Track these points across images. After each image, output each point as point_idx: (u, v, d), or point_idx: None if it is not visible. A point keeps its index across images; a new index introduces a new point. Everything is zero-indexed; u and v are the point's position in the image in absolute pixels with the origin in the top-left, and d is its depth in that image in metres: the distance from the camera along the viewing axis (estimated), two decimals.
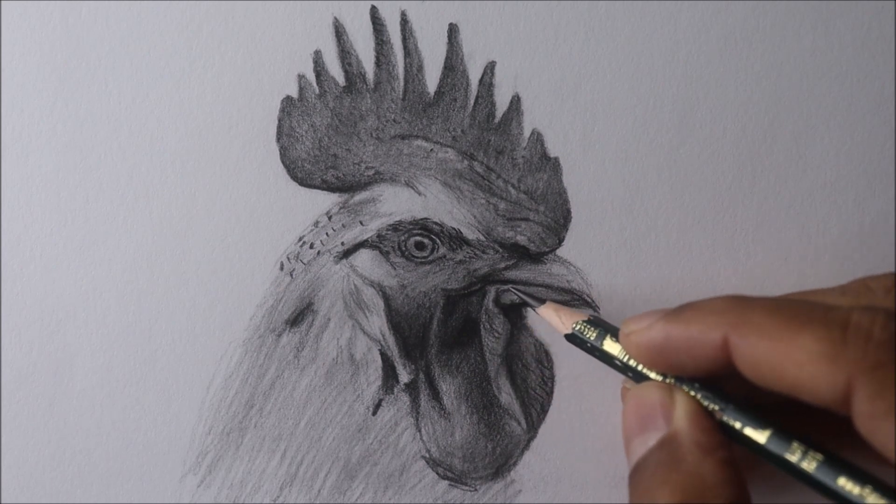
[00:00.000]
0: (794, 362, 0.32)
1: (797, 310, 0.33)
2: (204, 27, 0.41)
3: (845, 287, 0.37)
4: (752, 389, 0.34)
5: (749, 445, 0.35)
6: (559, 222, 0.42)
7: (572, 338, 0.40)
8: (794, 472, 0.33)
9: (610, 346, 0.38)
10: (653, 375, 0.37)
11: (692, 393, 0.36)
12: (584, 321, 0.40)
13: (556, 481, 0.43)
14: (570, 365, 0.43)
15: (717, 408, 0.35)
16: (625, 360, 0.38)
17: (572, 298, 0.42)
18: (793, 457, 0.33)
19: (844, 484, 0.32)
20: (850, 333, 0.31)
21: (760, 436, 0.34)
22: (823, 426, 0.34)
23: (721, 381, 0.36)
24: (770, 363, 0.33)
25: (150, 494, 0.42)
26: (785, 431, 0.34)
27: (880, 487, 0.32)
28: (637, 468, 0.35)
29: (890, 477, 0.32)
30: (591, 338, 0.39)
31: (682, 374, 0.36)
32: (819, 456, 0.33)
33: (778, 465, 0.34)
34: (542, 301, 0.41)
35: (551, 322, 0.41)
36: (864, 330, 0.31)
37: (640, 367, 0.37)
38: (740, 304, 0.34)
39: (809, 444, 0.33)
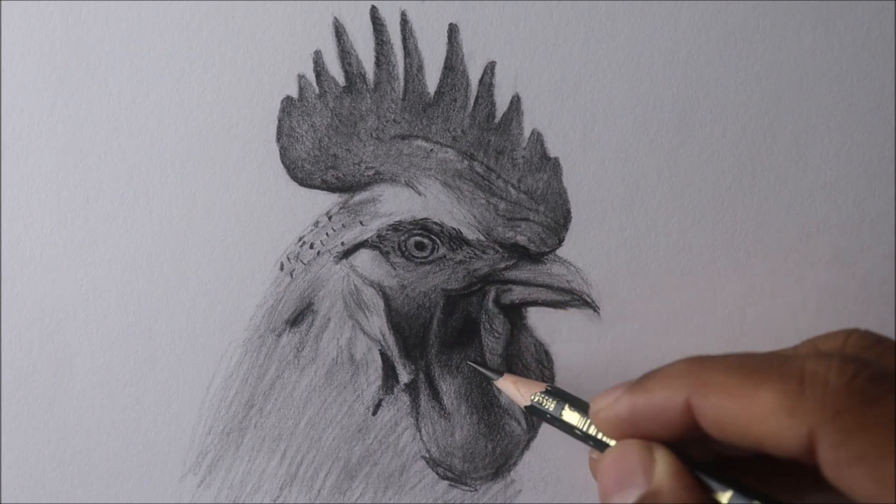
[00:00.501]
0: (756, 418, 0.32)
1: (754, 365, 0.33)
2: (204, 27, 0.41)
3: (797, 349, 0.37)
4: (719, 446, 0.34)
5: None
6: (559, 222, 0.42)
7: (531, 409, 0.40)
8: None
9: (569, 416, 0.38)
10: (612, 444, 0.37)
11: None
12: (541, 392, 0.39)
13: (556, 481, 0.43)
14: (570, 365, 0.43)
15: None
16: (584, 429, 0.38)
17: (572, 298, 0.42)
18: None
19: None
20: (806, 383, 0.31)
21: (722, 497, 0.34)
22: (796, 475, 0.34)
23: (685, 445, 0.36)
24: (733, 421, 0.33)
25: (150, 494, 0.42)
26: (746, 490, 0.34)
27: None
28: None
29: None
30: (550, 408, 0.39)
31: (654, 440, 0.36)
32: None
33: None
34: (500, 373, 0.41)
35: (509, 394, 0.41)
36: (820, 378, 0.31)
37: (599, 436, 0.37)
38: (699, 366, 0.34)
39: (770, 502, 0.34)
